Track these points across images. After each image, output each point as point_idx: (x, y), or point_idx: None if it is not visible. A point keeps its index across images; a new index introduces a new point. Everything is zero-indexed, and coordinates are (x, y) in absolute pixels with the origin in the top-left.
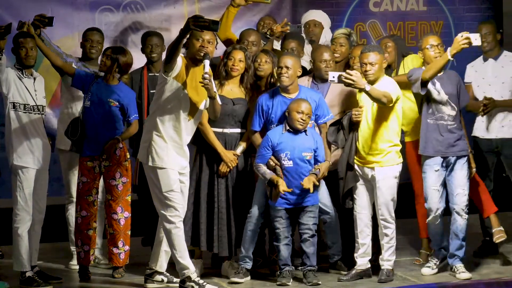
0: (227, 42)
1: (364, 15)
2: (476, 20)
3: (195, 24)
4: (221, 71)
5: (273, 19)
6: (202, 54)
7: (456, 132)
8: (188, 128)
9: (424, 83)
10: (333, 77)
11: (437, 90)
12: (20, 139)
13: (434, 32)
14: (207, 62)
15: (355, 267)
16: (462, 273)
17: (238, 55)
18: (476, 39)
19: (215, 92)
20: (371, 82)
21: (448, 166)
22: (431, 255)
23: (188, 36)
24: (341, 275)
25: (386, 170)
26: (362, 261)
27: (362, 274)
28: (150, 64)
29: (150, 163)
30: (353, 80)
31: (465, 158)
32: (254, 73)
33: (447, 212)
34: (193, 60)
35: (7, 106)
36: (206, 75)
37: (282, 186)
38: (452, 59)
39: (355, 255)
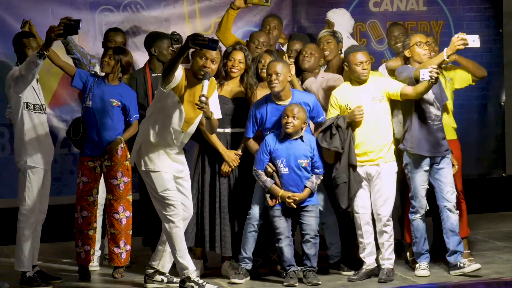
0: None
1: (364, 15)
2: (476, 20)
3: (194, 43)
4: (221, 71)
5: (278, 19)
6: (202, 74)
7: (441, 131)
8: (180, 138)
9: (416, 81)
10: (424, 74)
11: None
12: (33, 140)
13: (423, 31)
14: (206, 83)
15: (363, 266)
16: (473, 265)
17: (238, 55)
18: (474, 41)
19: (211, 112)
20: (366, 81)
21: (432, 165)
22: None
23: (188, 52)
24: (350, 275)
25: (390, 165)
26: (370, 260)
27: (371, 274)
28: (151, 63)
29: (143, 168)
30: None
31: (449, 157)
32: (257, 74)
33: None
34: (194, 75)
35: (20, 106)
36: (203, 98)
37: (284, 194)
38: (447, 59)
39: (362, 255)
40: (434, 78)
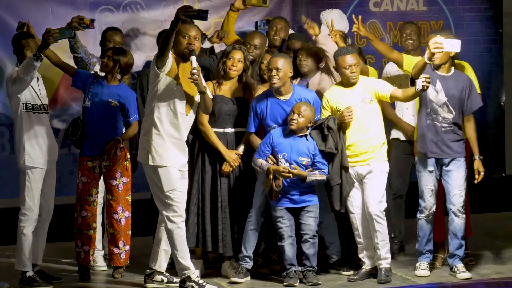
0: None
1: (364, 15)
2: (476, 20)
3: (185, 14)
4: (219, 70)
5: (285, 21)
6: (188, 51)
7: (451, 134)
8: (185, 123)
9: (413, 79)
10: (419, 84)
11: (436, 91)
12: (31, 140)
13: (436, 31)
14: (193, 58)
15: (363, 266)
16: (463, 273)
17: (237, 55)
18: (453, 45)
19: (204, 86)
20: (355, 83)
21: (442, 167)
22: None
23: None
24: (350, 275)
25: (381, 165)
26: (369, 260)
27: (370, 274)
28: None
29: (150, 162)
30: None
31: (461, 160)
32: (260, 75)
33: (446, 212)
34: (181, 56)
35: (19, 107)
36: (194, 71)
37: (279, 168)
38: (429, 62)
39: (361, 255)
40: (426, 87)
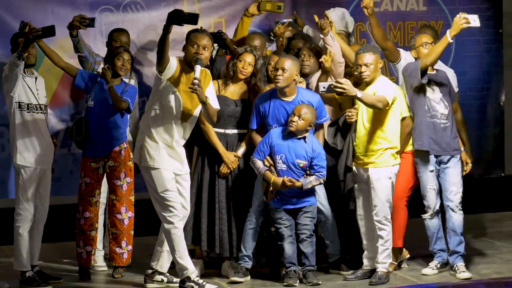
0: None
1: (364, 15)
2: None
3: (173, 19)
4: (229, 70)
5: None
6: (194, 60)
7: (450, 130)
8: (181, 130)
9: (423, 72)
10: (324, 87)
11: (432, 88)
12: (24, 139)
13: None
14: (198, 68)
15: (362, 266)
16: (463, 273)
17: (248, 57)
18: (474, 20)
19: (206, 97)
20: (367, 83)
21: (440, 164)
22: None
23: (170, 30)
24: (345, 275)
25: (380, 171)
26: (370, 261)
27: (369, 275)
28: None
29: (142, 164)
30: (344, 89)
31: (458, 157)
32: (267, 76)
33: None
34: (189, 65)
35: (12, 105)
36: (195, 81)
37: (278, 181)
38: (451, 41)
39: (363, 255)
40: (338, 92)
